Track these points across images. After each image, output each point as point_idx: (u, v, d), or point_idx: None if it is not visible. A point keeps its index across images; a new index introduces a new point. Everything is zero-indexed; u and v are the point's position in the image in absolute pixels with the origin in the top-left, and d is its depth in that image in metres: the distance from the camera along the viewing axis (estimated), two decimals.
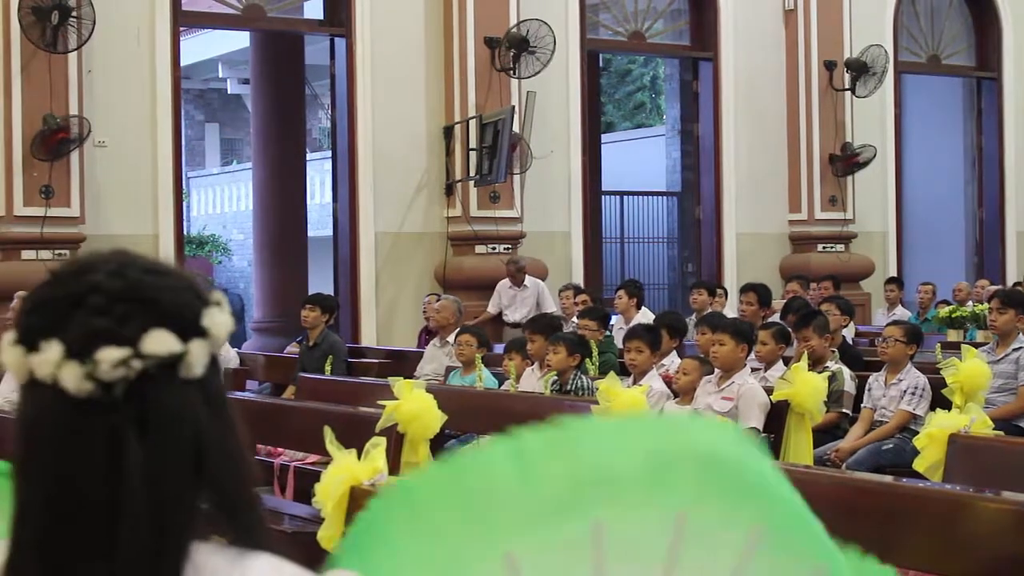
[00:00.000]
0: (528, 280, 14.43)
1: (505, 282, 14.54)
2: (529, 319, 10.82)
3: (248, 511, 1.52)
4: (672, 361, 9.52)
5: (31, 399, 1.45)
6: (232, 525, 1.50)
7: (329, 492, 5.03)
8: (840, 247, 18.03)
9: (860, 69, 17.54)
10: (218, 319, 1.49)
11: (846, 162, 17.70)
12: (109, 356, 1.41)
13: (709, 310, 12.37)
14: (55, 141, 12.91)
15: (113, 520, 1.41)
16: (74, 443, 1.42)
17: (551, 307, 14.09)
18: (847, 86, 17.71)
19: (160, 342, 1.43)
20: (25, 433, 1.45)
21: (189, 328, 1.46)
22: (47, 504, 1.42)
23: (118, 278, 1.46)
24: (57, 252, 12.90)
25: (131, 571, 1.41)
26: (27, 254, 13.06)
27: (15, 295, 10.20)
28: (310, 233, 18.44)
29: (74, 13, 12.77)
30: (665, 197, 22.44)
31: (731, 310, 12.97)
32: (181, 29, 14.85)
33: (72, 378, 1.41)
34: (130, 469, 1.42)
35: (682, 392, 8.40)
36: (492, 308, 14.54)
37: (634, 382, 8.46)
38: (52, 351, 1.42)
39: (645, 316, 12.33)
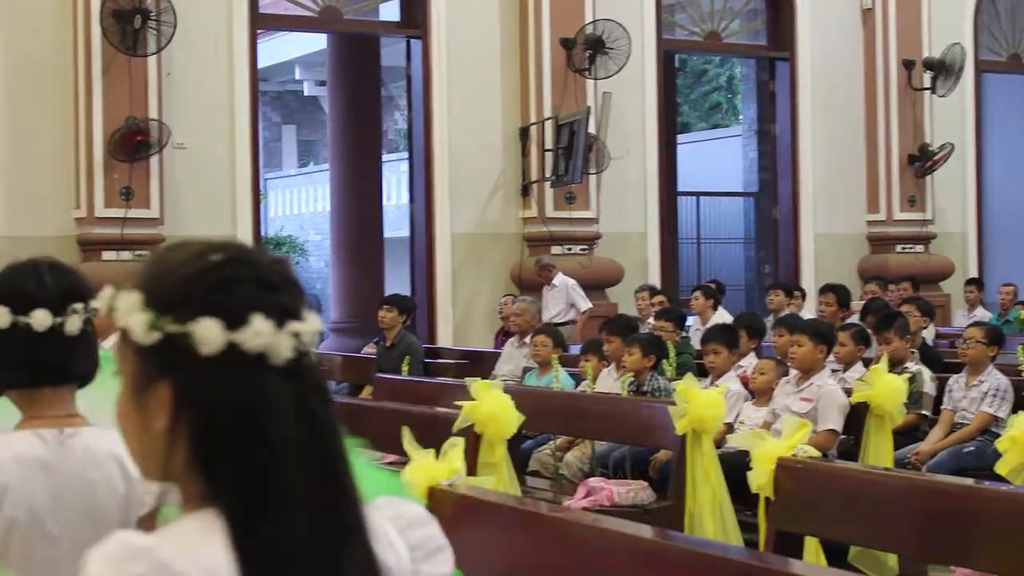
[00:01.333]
0: (557, 279, 14.19)
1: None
2: (607, 320, 10.76)
3: None
4: (750, 362, 9.45)
5: (224, 370, 1.50)
6: None
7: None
8: (919, 248, 17.85)
9: (939, 68, 17.36)
10: None
11: (925, 162, 17.51)
12: (307, 328, 1.53)
13: (786, 311, 12.30)
14: (133, 143, 13.03)
15: (307, 478, 1.50)
16: (280, 408, 1.50)
17: (582, 304, 13.97)
18: (926, 85, 17.53)
19: (315, 320, 1.56)
20: (227, 402, 1.50)
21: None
22: (270, 464, 1.49)
23: (279, 263, 1.57)
24: (137, 253, 13.02)
25: (332, 524, 1.51)
26: (107, 255, 13.20)
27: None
28: (386, 234, 18.52)
29: (154, 16, 12.90)
30: (742, 197, 22.35)
31: (809, 311, 12.88)
32: (258, 31, 14.96)
33: (285, 348, 1.51)
34: (319, 431, 1.53)
35: (758, 392, 8.37)
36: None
37: (712, 383, 8.43)
38: (262, 324, 1.50)
39: (722, 317, 12.26)
